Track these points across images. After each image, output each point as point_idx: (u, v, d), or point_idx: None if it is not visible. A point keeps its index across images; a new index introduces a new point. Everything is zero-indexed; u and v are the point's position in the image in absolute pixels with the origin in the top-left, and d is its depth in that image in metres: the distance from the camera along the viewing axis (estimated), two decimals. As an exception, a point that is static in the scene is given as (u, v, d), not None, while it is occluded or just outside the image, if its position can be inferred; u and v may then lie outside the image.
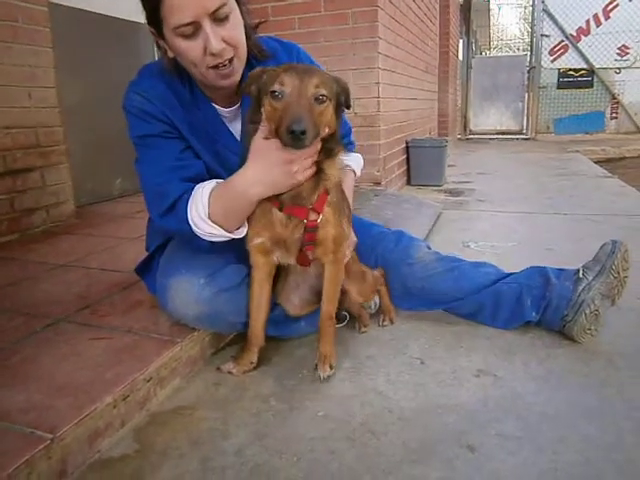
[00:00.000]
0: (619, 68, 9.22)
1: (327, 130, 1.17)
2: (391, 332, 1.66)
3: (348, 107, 1.23)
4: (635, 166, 6.80)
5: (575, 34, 9.22)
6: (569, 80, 9.45)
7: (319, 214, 1.25)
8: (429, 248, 1.73)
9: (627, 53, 9.13)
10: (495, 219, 3.28)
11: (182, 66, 1.28)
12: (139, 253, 1.69)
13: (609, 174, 5.05)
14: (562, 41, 9.30)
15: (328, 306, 1.38)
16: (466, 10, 9.60)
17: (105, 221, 2.89)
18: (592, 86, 9.38)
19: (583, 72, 9.36)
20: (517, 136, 9.75)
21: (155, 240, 1.54)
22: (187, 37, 1.16)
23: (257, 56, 1.37)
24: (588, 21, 9.16)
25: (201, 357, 1.45)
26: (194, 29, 1.15)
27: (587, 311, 1.50)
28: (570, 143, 8.41)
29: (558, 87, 9.52)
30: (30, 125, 2.60)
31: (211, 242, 1.30)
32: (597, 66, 9.25)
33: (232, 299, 1.35)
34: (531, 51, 9.58)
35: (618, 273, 1.52)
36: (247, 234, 1.31)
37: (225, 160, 1.38)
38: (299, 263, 1.34)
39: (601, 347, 1.52)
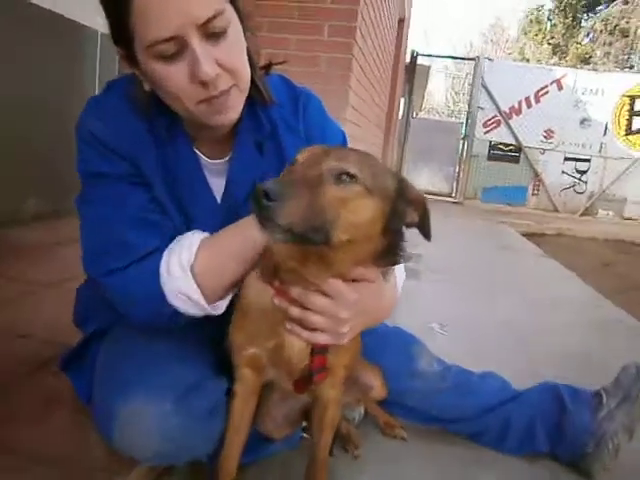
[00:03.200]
0: (543, 149, 9.83)
1: (353, 235, 0.78)
2: (380, 452, 1.35)
3: (425, 234, 0.89)
4: (554, 243, 7.13)
5: (508, 111, 9.74)
6: (498, 153, 9.92)
7: None
8: (431, 354, 1.45)
9: (551, 137, 9.76)
10: (452, 296, 3.11)
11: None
12: (59, 308, 1.24)
13: (544, 253, 5.16)
14: (495, 116, 9.79)
15: (325, 452, 1.06)
16: (410, 71, 9.87)
17: (13, 254, 2.33)
18: (518, 162, 9.90)
19: (512, 147, 9.87)
20: (446, 198, 10.00)
21: (93, 319, 1.13)
22: (167, 59, 0.85)
23: (262, 99, 1.05)
24: (520, 102, 9.72)
25: (139, 490, 1.04)
26: (177, 47, 0.84)
27: (610, 446, 1.29)
28: (495, 213, 8.74)
29: (488, 158, 9.96)
30: None
31: (183, 343, 0.95)
32: (524, 144, 9.80)
33: (206, 427, 0.96)
34: (467, 120, 9.99)
35: None
36: (235, 338, 0.97)
37: (195, 221, 1.03)
38: (296, 390, 1.00)
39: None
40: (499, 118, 9.78)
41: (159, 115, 0.97)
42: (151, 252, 0.92)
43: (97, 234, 0.95)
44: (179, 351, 0.97)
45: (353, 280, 0.88)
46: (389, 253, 0.88)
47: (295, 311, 0.87)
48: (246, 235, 0.91)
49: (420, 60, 10.24)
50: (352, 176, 0.76)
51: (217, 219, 1.00)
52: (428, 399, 1.37)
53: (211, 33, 0.85)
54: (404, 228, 0.89)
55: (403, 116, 10.26)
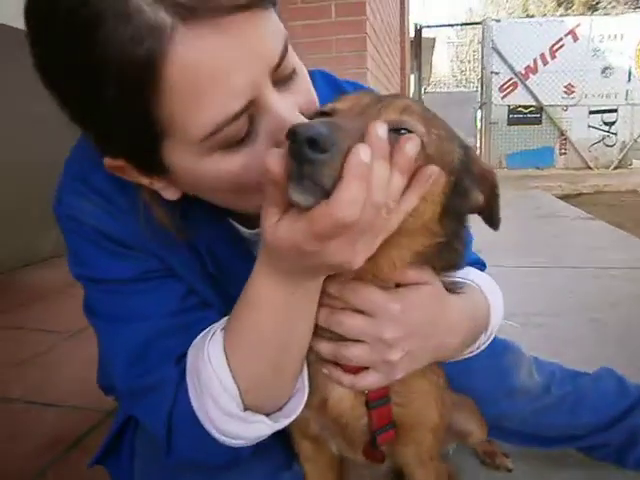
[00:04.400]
0: (566, 106, 9.40)
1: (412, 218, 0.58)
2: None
3: (492, 221, 0.70)
4: (593, 203, 6.76)
5: (524, 72, 9.34)
6: (519, 116, 9.54)
7: None
8: (529, 360, 1.21)
9: (573, 92, 9.33)
10: (508, 277, 2.84)
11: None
12: (85, 363, 1.02)
13: (589, 215, 4.84)
14: (511, 78, 9.40)
15: None
16: (417, 46, 9.54)
17: (32, 299, 2.17)
18: (541, 123, 9.51)
19: (532, 109, 9.48)
20: (470, 171, 9.69)
21: None
22: (235, 145, 0.58)
23: None
24: (535, 60, 9.32)
25: None
26: (249, 119, 0.57)
27: None
28: (525, 178, 8.38)
29: (508, 123, 9.59)
30: None
31: None
32: (545, 103, 9.40)
33: None
34: (482, 87, 9.63)
35: None
36: None
37: None
38: (367, 458, 0.78)
39: None
40: (515, 80, 9.39)
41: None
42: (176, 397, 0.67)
43: (123, 365, 0.70)
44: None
45: (397, 286, 0.66)
46: (446, 248, 0.66)
47: (324, 347, 0.66)
48: (253, 299, 0.62)
49: (424, 32, 9.89)
50: (413, 133, 0.57)
51: None
52: (532, 419, 1.14)
53: (284, 75, 0.60)
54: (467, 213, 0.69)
55: (414, 93, 9.93)
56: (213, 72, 0.52)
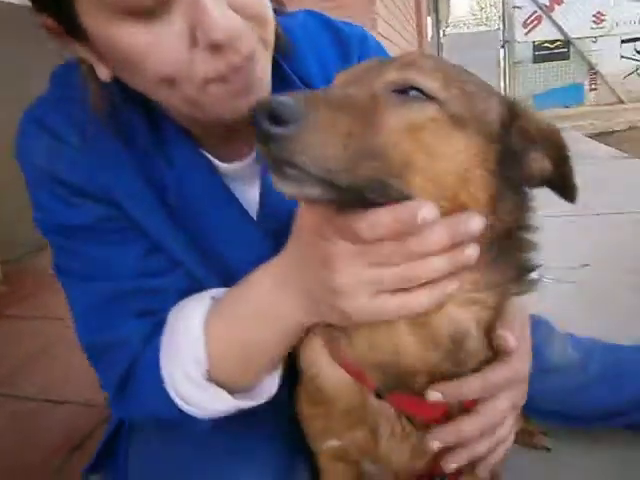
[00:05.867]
0: (595, 37, 8.84)
1: (440, 197, 0.46)
2: (519, 471, 1.04)
3: (567, 192, 0.58)
4: (627, 140, 6.41)
5: (548, 4, 8.76)
6: (545, 53, 9.04)
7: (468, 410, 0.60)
8: (561, 335, 1.10)
9: (602, 20, 8.75)
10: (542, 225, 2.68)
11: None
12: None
13: (624, 154, 4.57)
14: (535, 12, 8.84)
15: None
16: (432, -15, 9.05)
17: (45, 286, 2.13)
18: (569, 58, 9.01)
19: (559, 43, 8.96)
20: (495, 115, 9.30)
21: None
22: (146, 16, 0.51)
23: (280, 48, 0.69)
24: (561, -12, 8.72)
25: None
26: None
27: None
28: (553, 118, 7.93)
29: (534, 61, 9.10)
30: None
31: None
32: (573, 36, 8.84)
33: None
34: (503, 25, 9.12)
35: None
36: (305, 425, 0.68)
37: (227, 264, 0.71)
38: None
39: None
40: (539, 13, 8.82)
41: (135, 113, 0.65)
42: (136, 358, 0.65)
43: (85, 322, 0.68)
44: (238, 441, 0.69)
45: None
46: (512, 246, 0.54)
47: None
48: (253, 306, 0.60)
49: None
50: (427, 94, 0.45)
51: (254, 249, 0.68)
52: (570, 398, 1.04)
53: None
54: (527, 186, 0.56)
55: (432, 36, 9.48)
56: None
